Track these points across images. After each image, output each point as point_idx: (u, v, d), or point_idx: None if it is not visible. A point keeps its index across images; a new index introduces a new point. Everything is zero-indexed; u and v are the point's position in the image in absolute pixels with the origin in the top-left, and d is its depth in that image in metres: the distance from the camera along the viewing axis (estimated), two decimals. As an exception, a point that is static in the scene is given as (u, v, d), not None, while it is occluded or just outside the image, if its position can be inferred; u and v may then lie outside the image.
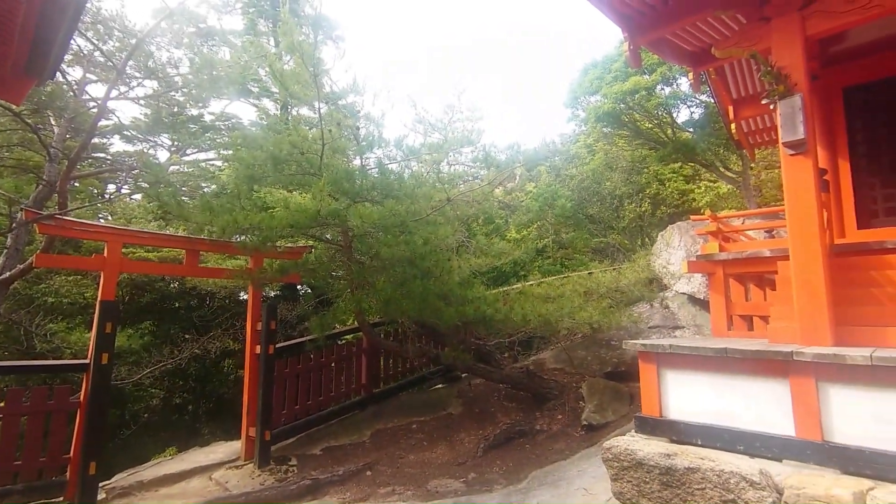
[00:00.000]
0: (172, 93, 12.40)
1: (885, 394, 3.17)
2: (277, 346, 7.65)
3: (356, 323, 8.49)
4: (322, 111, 7.06)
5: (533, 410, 8.22)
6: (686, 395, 4.06)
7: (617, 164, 17.31)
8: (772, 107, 4.48)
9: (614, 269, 10.46)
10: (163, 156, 14.78)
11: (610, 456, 3.86)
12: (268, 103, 15.97)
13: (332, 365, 8.45)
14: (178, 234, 7.85)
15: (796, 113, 4.22)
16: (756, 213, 8.50)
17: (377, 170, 7.32)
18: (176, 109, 12.91)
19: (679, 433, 3.98)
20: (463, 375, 9.64)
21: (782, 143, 4.34)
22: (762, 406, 3.64)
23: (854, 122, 5.96)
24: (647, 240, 16.34)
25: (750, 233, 7.94)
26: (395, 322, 8.94)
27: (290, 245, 8.01)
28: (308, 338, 7.97)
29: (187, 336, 12.02)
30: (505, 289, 9.63)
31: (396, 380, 9.60)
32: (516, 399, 8.54)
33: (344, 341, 9.25)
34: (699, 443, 3.83)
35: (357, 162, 7.83)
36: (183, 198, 11.47)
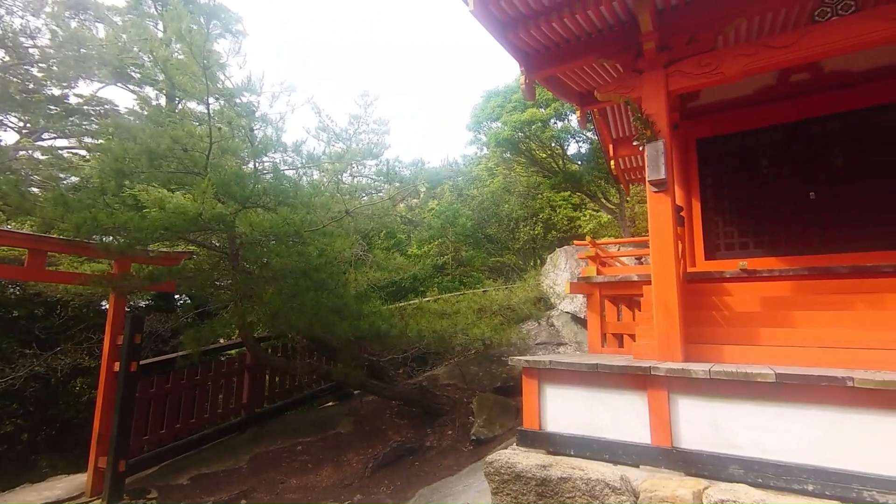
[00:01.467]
0: (26, 67, 10.66)
1: (719, 403, 3.66)
2: (144, 362, 6.80)
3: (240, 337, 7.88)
4: (214, 108, 6.56)
5: (424, 427, 8.22)
6: (563, 409, 4.33)
7: (514, 188, 18.37)
8: (641, 148, 5.07)
9: (507, 288, 10.98)
10: (10, 138, 12.60)
11: (491, 470, 3.97)
12: (152, 92, 14.44)
13: (209, 384, 7.71)
14: (20, 231, 6.67)
15: (660, 156, 4.81)
16: (628, 241, 9.52)
17: (272, 175, 6.93)
18: (31, 86, 11.11)
19: (555, 445, 4.23)
20: (355, 392, 9.38)
21: (648, 181, 4.91)
22: (625, 417, 4.01)
23: (704, 168, 6.97)
24: (539, 261, 17.46)
25: (623, 259, 8.83)
26: (285, 336, 8.45)
27: (165, 250, 7.22)
28: (180, 353, 7.19)
29: (27, 351, 10.17)
30: (402, 304, 9.62)
31: (283, 398, 9.04)
32: (408, 415, 8.49)
33: (226, 357, 8.51)
34: (572, 453, 4.11)
35: (251, 165, 7.36)
36: (32, 188, 9.85)
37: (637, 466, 3.81)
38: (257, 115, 7.11)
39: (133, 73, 12.77)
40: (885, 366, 3.89)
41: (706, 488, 3.33)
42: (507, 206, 18.11)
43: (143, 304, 12.13)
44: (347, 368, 7.58)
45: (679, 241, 5.97)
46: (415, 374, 10.15)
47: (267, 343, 8.74)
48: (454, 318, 7.78)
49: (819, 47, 4.28)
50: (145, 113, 11.61)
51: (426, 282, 15.43)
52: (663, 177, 4.80)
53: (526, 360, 4.51)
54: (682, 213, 6.51)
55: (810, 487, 3.21)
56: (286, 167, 7.89)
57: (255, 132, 7.43)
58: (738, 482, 3.38)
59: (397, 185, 12.73)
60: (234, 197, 5.93)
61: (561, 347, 10.24)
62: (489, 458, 4.10)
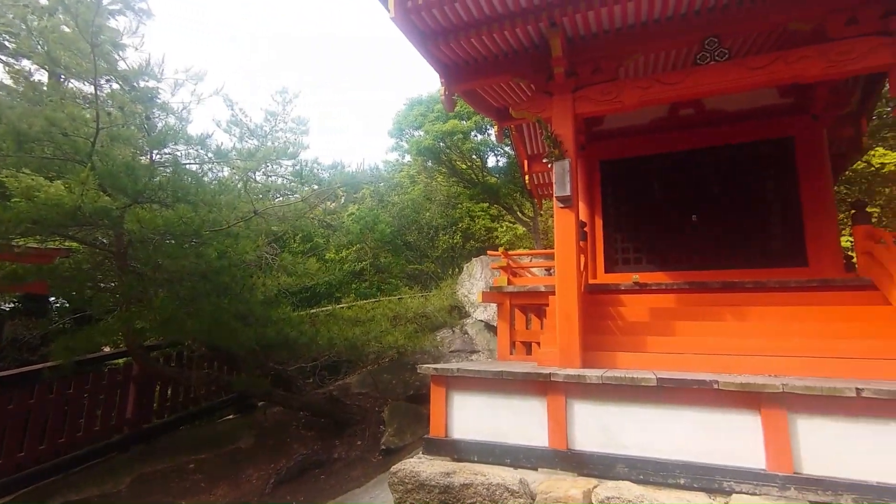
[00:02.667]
0: None
1: (609, 407, 3.94)
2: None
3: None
4: (105, 90, 5.91)
5: (333, 438, 7.95)
6: (469, 415, 4.41)
7: (435, 196, 18.57)
8: (550, 166, 5.36)
9: (423, 296, 11.03)
10: None
11: (395, 480, 3.93)
12: (31, 67, 12.69)
13: (85, 398, 6.84)
14: None
15: (566, 174, 5.12)
16: (539, 253, 10.01)
17: (172, 169, 6.37)
18: None
19: (460, 451, 4.29)
20: (259, 404, 8.84)
21: (555, 197, 5.20)
22: (527, 422, 4.17)
23: (607, 187, 7.54)
24: (457, 270, 17.74)
25: (534, 270, 9.27)
26: (180, 344, 7.76)
27: (35, 246, 6.33)
28: (48, 364, 6.32)
29: None
30: (314, 310, 9.28)
31: (176, 412, 8.27)
32: (316, 427, 8.16)
33: (110, 367, 7.62)
34: (476, 459, 4.18)
35: (149, 157, 6.71)
36: None
37: (536, 469, 3.97)
38: (158, 102, 6.51)
39: (6, 42, 11.14)
40: (747, 370, 4.43)
41: (595, 487, 3.55)
42: (427, 214, 18.25)
43: (6, 306, 10.53)
44: (251, 378, 7.13)
45: (582, 255, 6.39)
46: (325, 384, 9.80)
47: (160, 352, 7.97)
48: (368, 326, 7.64)
49: (700, 87, 4.83)
50: (20, 89, 10.16)
51: (343, 288, 15.06)
52: (569, 194, 5.11)
53: (434, 368, 4.54)
54: (585, 229, 6.97)
55: (682, 481, 3.55)
56: (190, 161, 7.31)
57: (155, 121, 6.81)
58: (623, 480, 3.65)
59: (315, 187, 12.30)
60: (123, 190, 5.35)
61: (474, 355, 10.46)
62: (393, 468, 4.06)
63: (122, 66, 6.42)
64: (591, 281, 7.01)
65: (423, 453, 4.43)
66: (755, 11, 4.70)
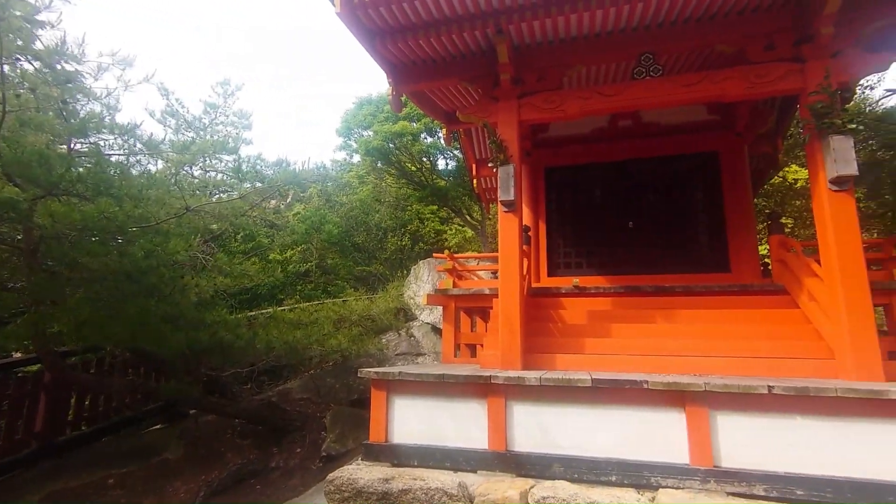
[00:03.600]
0: None
1: (546, 408, 4.02)
2: None
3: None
4: (17, 70, 5.37)
5: (271, 446, 7.62)
6: (410, 419, 4.35)
7: (385, 198, 18.38)
8: (495, 170, 5.43)
9: (369, 298, 10.85)
10: None
11: (332, 488, 3.81)
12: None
13: (-15, 409, 6.17)
14: None
15: (510, 178, 5.20)
16: (486, 256, 10.10)
17: (94, 159, 5.89)
18: None
19: (401, 456, 4.23)
20: (191, 412, 8.33)
21: (499, 202, 5.27)
22: (467, 424, 4.18)
23: (551, 193, 7.74)
24: (406, 272, 17.64)
25: (481, 273, 9.34)
26: (101, 349, 7.18)
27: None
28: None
29: None
30: (253, 313, 8.88)
31: (95, 423, 7.62)
32: (253, 435, 7.79)
33: (21, 374, 6.91)
34: (416, 464, 4.14)
35: (69, 146, 6.16)
36: None
37: (475, 472, 3.98)
38: (79, 86, 6.00)
39: None
40: (676, 369, 4.67)
41: (532, 487, 3.60)
42: (376, 215, 18.03)
43: None
44: (181, 385, 6.69)
45: (525, 259, 6.52)
46: (264, 389, 9.41)
47: (79, 357, 7.34)
48: (310, 329, 7.41)
49: (636, 100, 5.06)
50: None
51: (287, 289, 14.56)
52: (513, 198, 5.19)
53: (375, 372, 4.45)
54: (529, 233, 7.12)
55: (614, 478, 3.67)
56: (116, 152, 6.80)
57: (77, 108, 6.28)
58: (559, 479, 3.73)
59: (258, 184, 11.84)
60: (35, 181, 4.88)
61: (420, 358, 10.41)
62: (330, 475, 3.93)
63: (39, 45, 5.87)
64: (534, 284, 7.17)
65: (362, 459, 4.34)
66: (685, 32, 4.99)
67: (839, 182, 4.32)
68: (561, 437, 3.94)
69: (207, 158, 10.34)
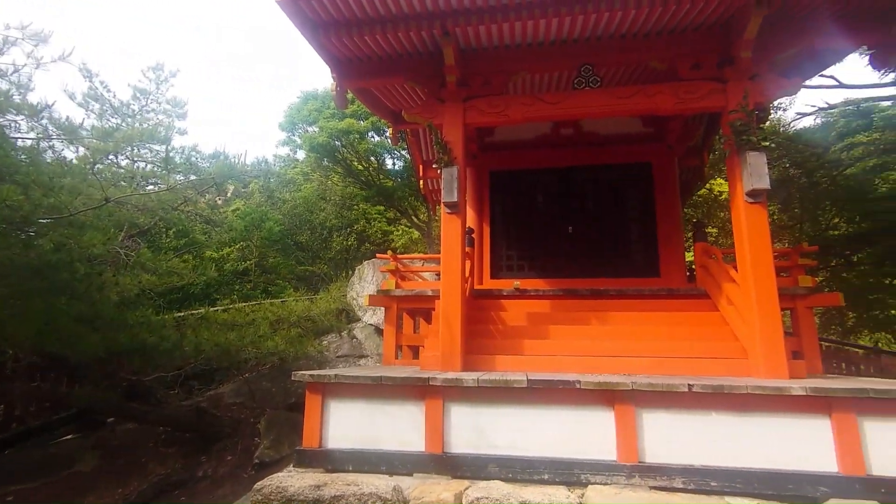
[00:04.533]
0: None
1: (484, 409, 4.05)
2: None
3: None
4: None
5: (198, 454, 7.20)
6: (346, 423, 4.24)
7: (330, 196, 17.94)
8: (439, 171, 5.42)
9: (309, 299, 10.53)
10: None
11: (259, 498, 3.63)
12: None
13: None
14: None
15: (454, 180, 5.21)
16: (430, 257, 10.11)
17: (-3, 142, 5.30)
18: None
19: (335, 462, 4.10)
20: (108, 420, 7.71)
21: (443, 203, 5.27)
22: (405, 427, 4.12)
23: (495, 196, 7.86)
24: (351, 272, 17.31)
25: (425, 274, 9.32)
26: (2, 352, 6.49)
27: None
28: None
29: None
30: (183, 314, 8.35)
31: (-6, 435, 6.89)
32: (179, 443, 7.34)
33: None
34: (351, 469, 4.03)
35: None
36: None
37: (411, 475, 3.93)
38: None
39: None
40: (608, 369, 4.85)
41: (467, 489, 3.61)
42: (321, 213, 17.56)
43: None
44: (97, 391, 6.19)
45: (468, 260, 6.56)
46: (194, 394, 8.88)
47: (-27, 362, 6.59)
48: (245, 330, 7.07)
49: (575, 109, 5.24)
50: None
51: (223, 289, 13.81)
52: (456, 200, 5.20)
53: (310, 375, 4.30)
54: (473, 235, 7.18)
55: (546, 476, 3.76)
56: (26, 135, 6.18)
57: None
58: (493, 479, 3.76)
59: (193, 177, 11.19)
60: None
61: (362, 360, 10.23)
62: (258, 484, 3.75)
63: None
64: (477, 286, 7.23)
65: (294, 466, 4.17)
66: (622, 46, 5.23)
67: (754, 195, 4.67)
68: (497, 438, 3.97)
69: (135, 147, 9.65)
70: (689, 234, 7.72)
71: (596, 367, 4.93)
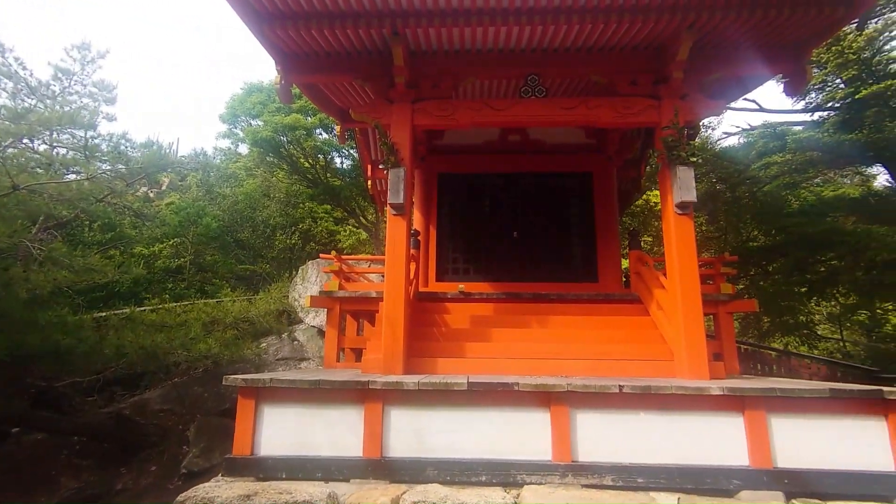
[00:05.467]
0: None
1: (424, 412, 4.04)
2: None
3: None
4: None
5: (118, 465, 6.69)
6: (280, 429, 4.08)
7: (274, 193, 17.31)
8: (385, 172, 5.37)
9: (247, 299, 10.09)
10: None
11: (183, 510, 3.42)
12: None
13: None
14: None
15: (400, 182, 5.18)
16: (376, 258, 9.92)
17: None
18: None
19: (267, 470, 3.94)
20: (13, 430, 6.99)
21: (388, 204, 5.22)
22: (342, 432, 4.03)
23: (443, 199, 7.89)
24: (294, 272, 16.77)
25: (372, 276, 9.20)
26: None
27: None
28: None
29: None
30: (105, 314, 7.73)
31: None
32: (96, 454, 6.78)
33: None
34: (284, 476, 3.88)
35: None
36: None
37: (348, 481, 3.84)
38: None
39: None
40: (548, 371, 4.98)
41: (404, 493, 3.58)
42: (265, 211, 16.90)
43: None
44: (-1, 399, 5.59)
45: (414, 263, 6.54)
46: (116, 401, 8.24)
47: None
48: (175, 332, 6.66)
49: (521, 117, 5.37)
50: None
51: (153, 287, 12.95)
52: (402, 201, 5.17)
53: (243, 379, 4.11)
54: (419, 238, 7.17)
55: (483, 478, 3.80)
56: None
57: None
58: (431, 482, 3.75)
59: (122, 167, 10.45)
60: None
61: (303, 363, 9.93)
62: (181, 495, 3.53)
63: None
64: (422, 289, 7.22)
65: (223, 475, 3.97)
66: (566, 59, 5.42)
67: (682, 206, 4.98)
68: (437, 441, 3.97)
69: (55, 132, 8.87)
70: (626, 242, 8.11)
71: (535, 369, 5.04)
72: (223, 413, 7.99)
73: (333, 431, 4.04)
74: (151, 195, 16.38)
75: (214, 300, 10.02)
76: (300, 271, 11.38)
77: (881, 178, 12.99)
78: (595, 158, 7.72)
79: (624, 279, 7.93)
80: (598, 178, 7.65)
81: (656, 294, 5.68)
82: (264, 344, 9.17)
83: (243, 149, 18.14)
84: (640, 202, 14.66)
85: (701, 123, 10.96)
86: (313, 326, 10.46)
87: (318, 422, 4.08)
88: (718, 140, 14.42)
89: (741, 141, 13.59)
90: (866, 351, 14.35)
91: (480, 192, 7.85)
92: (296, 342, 10.04)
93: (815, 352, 14.09)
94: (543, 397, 3.97)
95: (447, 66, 5.55)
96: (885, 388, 3.88)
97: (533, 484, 3.73)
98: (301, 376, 4.37)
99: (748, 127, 13.18)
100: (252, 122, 15.31)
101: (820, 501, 3.56)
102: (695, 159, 5.06)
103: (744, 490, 3.64)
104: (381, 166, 5.52)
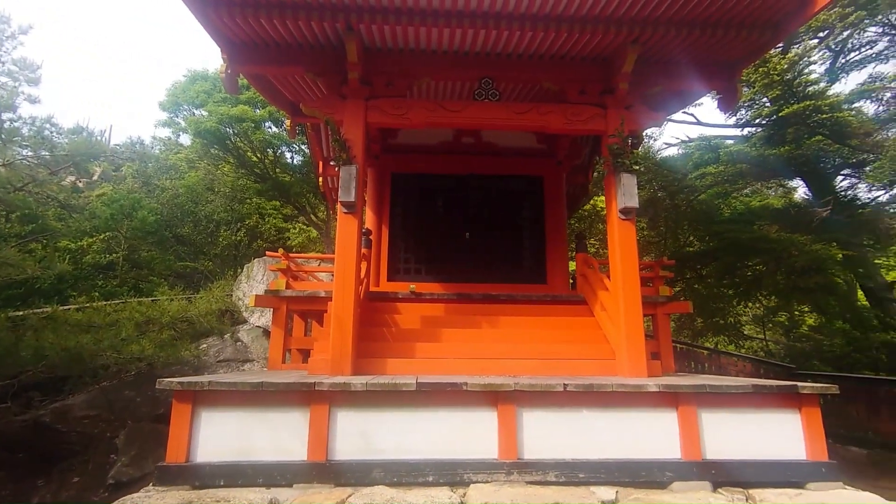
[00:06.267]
0: None
1: (372, 413, 3.99)
2: None
3: None
4: None
5: (35, 477, 6.16)
6: (219, 435, 3.90)
7: (219, 187, 16.55)
8: (337, 169, 5.26)
9: (186, 298, 9.57)
10: None
11: (108, 524, 3.18)
12: None
13: None
14: None
15: (352, 179, 5.09)
16: (326, 257, 9.75)
17: None
18: None
19: (204, 477, 3.74)
20: None
21: (339, 202, 5.12)
22: (286, 436, 3.90)
23: (396, 199, 7.84)
24: (240, 270, 16.10)
25: (322, 275, 8.98)
26: None
27: None
28: None
29: None
30: (22, 312, 7.08)
31: None
32: (8, 465, 6.19)
33: None
34: (223, 484, 3.71)
35: None
36: None
37: (291, 486, 3.72)
38: None
39: None
40: (495, 371, 5.05)
41: (350, 496, 3.51)
42: (208, 205, 16.11)
43: None
44: None
45: (365, 262, 6.46)
46: (34, 407, 7.57)
47: None
48: (103, 332, 6.22)
49: (474, 119, 5.43)
50: None
51: (80, 284, 12.02)
52: (353, 199, 5.08)
53: (179, 382, 3.89)
54: (370, 237, 7.08)
55: (431, 478, 3.79)
56: None
57: None
58: (378, 485, 3.70)
59: (46, 153, 9.65)
60: None
61: (247, 364, 9.55)
62: (107, 508, 3.29)
63: None
64: (373, 288, 7.13)
65: (153, 485, 3.74)
66: (519, 65, 5.54)
67: (625, 212, 5.21)
68: (384, 442, 3.93)
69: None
70: (574, 245, 8.38)
71: (485, 368, 5.10)
72: (157, 419, 7.52)
73: (277, 435, 3.90)
74: (81, 185, 15.23)
75: (150, 299, 9.42)
76: (245, 269, 10.94)
77: (801, 191, 14.18)
78: (546, 163, 7.92)
79: (571, 281, 8.20)
80: (548, 183, 7.86)
81: (600, 295, 5.91)
82: (205, 345, 8.74)
83: (185, 139, 17.21)
84: (587, 207, 15.21)
85: (644, 133, 11.54)
86: (259, 327, 10.09)
87: (261, 426, 3.93)
88: (660, 150, 15.24)
89: (680, 152, 14.43)
90: (785, 349, 15.62)
91: (434, 192, 7.86)
92: (239, 343, 9.63)
93: (742, 350, 15.19)
94: (491, 397, 4.02)
95: (402, 65, 5.51)
96: (799, 384, 4.23)
97: (479, 482, 3.77)
98: (243, 378, 4.19)
99: (686, 139, 14.02)
100: (195, 111, 14.53)
101: (742, 489, 3.82)
102: (638, 167, 5.31)
103: (676, 481, 3.85)
104: (332, 163, 5.40)
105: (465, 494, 3.63)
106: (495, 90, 5.52)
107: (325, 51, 5.45)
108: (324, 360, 4.92)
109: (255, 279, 10.36)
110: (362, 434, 3.91)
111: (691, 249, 13.45)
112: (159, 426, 7.25)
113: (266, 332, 10.11)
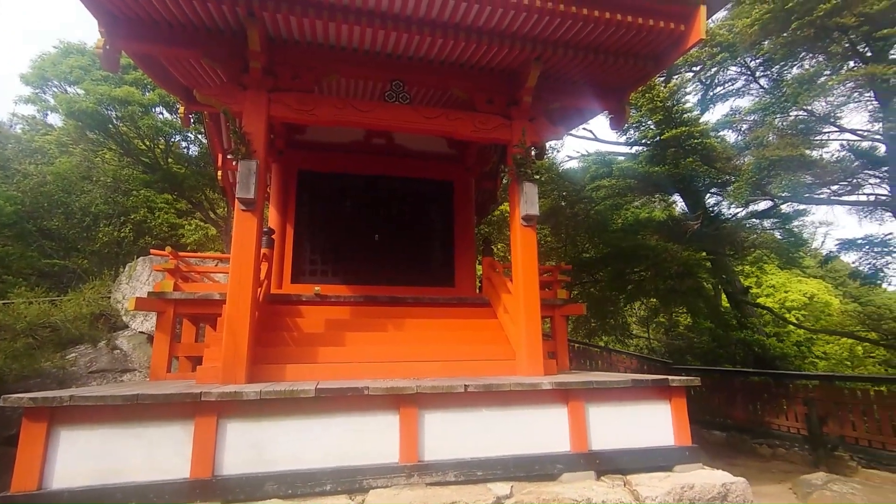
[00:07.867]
0: None
1: (266, 423, 3.77)
2: None
3: None
4: None
5: None
6: (83, 456, 3.44)
7: (99, 176, 14.71)
8: (235, 164, 4.92)
9: (51, 301, 8.37)
10: None
11: (-74, 572, 2.66)
12: None
13: None
14: None
15: (252, 175, 4.80)
16: (221, 256, 9.05)
17: None
18: None
19: (62, 505, 3.28)
20: None
21: (237, 198, 4.79)
22: (165, 453, 3.55)
23: (302, 197, 7.52)
24: (122, 270, 14.42)
25: (219, 276, 8.32)
26: None
27: None
28: None
29: None
30: None
31: None
32: None
33: None
34: (85, 511, 3.28)
35: None
36: None
37: (170, 507, 3.40)
38: None
39: None
40: (400, 374, 5.04)
41: (236, 512, 3.28)
42: (84, 196, 14.24)
43: None
44: None
45: (266, 263, 6.11)
46: None
47: None
48: (-66, 342, 5.19)
49: (384, 120, 5.39)
50: None
51: None
52: (252, 196, 4.79)
53: (31, 398, 3.37)
54: (273, 236, 6.73)
55: (328, 487, 3.67)
56: None
57: None
58: (270, 498, 3.51)
59: None
60: None
61: (127, 375, 8.57)
62: (-74, 553, 2.75)
63: None
64: (276, 290, 6.78)
65: (-6, 519, 3.20)
66: (429, 69, 5.61)
67: (527, 219, 5.48)
68: (279, 453, 3.73)
69: None
70: (481, 249, 8.65)
71: (390, 371, 5.07)
72: (8, 441, 6.48)
73: (155, 452, 3.54)
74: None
75: (2, 302, 8.09)
76: (127, 269, 9.83)
77: (680, 205, 15.94)
78: (456, 168, 8.09)
79: (479, 284, 8.45)
80: (458, 187, 8.03)
81: (503, 298, 6.15)
82: (73, 354, 7.69)
83: (55, 119, 15.06)
84: (496, 213, 15.80)
85: (548, 145, 12.27)
86: (142, 332, 9.11)
87: (136, 443, 3.54)
88: (563, 162, 16.30)
89: (580, 165, 15.55)
90: (665, 346, 17.48)
91: (342, 192, 7.67)
92: (117, 351, 8.61)
93: (630, 348, 16.73)
94: (394, 400, 4.00)
95: (310, 59, 5.32)
96: (670, 377, 4.74)
97: (379, 487, 3.73)
98: (115, 391, 3.75)
99: (586, 153, 15.15)
100: (69, 88, 12.77)
101: (622, 476, 4.19)
102: (539, 177, 5.63)
103: (565, 472, 4.11)
104: (229, 156, 5.04)
105: (363, 501, 3.57)
106: (406, 93, 5.53)
107: (224, 36, 5.09)
108: (214, 369, 4.57)
109: (139, 279, 9.35)
110: (254, 445, 3.68)
111: (587, 256, 14.53)
112: (11, 449, 6.24)
113: (151, 339, 9.15)
